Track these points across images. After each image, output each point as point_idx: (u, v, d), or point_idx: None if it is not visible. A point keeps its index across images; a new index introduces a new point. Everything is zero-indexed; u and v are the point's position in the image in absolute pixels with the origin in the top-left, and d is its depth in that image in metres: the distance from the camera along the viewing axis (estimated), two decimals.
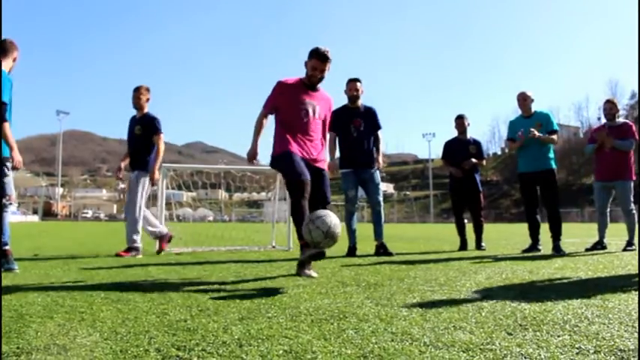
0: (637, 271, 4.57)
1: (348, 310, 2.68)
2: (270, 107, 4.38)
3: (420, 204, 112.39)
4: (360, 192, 6.89)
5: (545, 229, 6.96)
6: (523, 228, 25.87)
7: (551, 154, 6.96)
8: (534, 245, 6.95)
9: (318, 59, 4.27)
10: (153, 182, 6.67)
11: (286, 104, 4.34)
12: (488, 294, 3.22)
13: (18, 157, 4.77)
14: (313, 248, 3.68)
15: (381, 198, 6.84)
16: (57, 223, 35.57)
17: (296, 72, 4.53)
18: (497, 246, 8.50)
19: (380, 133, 6.84)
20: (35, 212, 75.64)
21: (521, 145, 6.90)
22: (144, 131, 6.65)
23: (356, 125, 6.66)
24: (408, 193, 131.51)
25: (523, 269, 4.73)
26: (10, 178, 4.74)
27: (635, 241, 7.30)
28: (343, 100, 6.80)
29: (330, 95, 4.64)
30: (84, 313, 2.61)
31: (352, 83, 6.74)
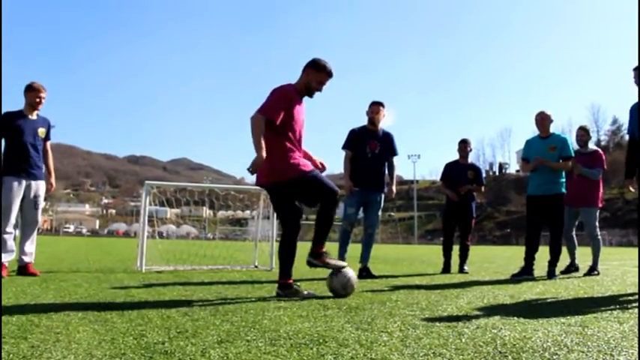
0: (617, 295, 4.61)
1: (328, 334, 2.66)
2: (273, 114, 4.19)
3: (404, 225, 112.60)
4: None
5: (540, 254, 6.93)
6: (507, 250, 25.97)
7: (563, 179, 6.85)
8: (527, 270, 6.77)
9: (328, 75, 4.45)
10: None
11: (290, 115, 4.32)
12: (469, 319, 3.22)
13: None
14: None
15: (377, 223, 6.92)
16: (38, 237, 34.95)
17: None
18: (480, 269, 8.52)
19: (395, 160, 6.90)
20: (16, 226, 74.39)
21: (534, 169, 6.92)
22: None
23: (372, 147, 6.69)
24: (392, 214, 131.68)
25: (504, 294, 4.74)
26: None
27: (599, 267, 7.55)
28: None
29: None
30: (59, 333, 2.57)
31: (375, 106, 6.77)
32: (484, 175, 8.27)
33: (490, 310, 3.65)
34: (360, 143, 6.71)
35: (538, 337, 2.67)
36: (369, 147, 6.67)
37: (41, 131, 6.06)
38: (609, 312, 3.66)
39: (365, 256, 6.79)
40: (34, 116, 6.02)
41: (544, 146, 6.87)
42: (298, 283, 4.40)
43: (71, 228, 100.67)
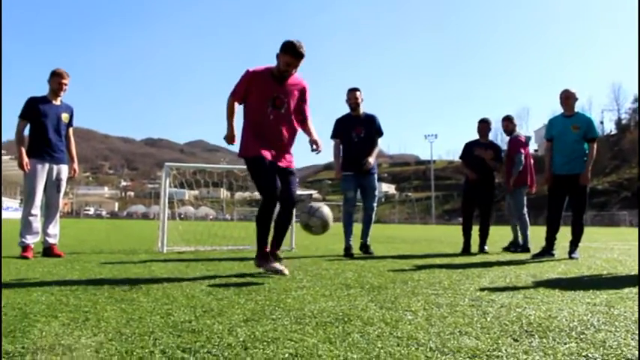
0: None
1: (353, 313, 2.67)
2: (238, 96, 4.45)
3: (422, 205, 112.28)
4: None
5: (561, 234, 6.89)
6: (540, 230, 25.80)
7: (586, 157, 6.70)
8: (548, 249, 6.75)
9: (292, 56, 4.29)
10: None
11: (254, 96, 4.39)
12: (492, 298, 3.21)
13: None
14: (273, 264, 4.36)
15: (374, 204, 7.25)
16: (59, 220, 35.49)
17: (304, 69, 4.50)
18: (500, 249, 8.48)
19: (379, 140, 7.18)
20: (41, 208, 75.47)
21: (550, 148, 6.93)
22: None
23: (357, 132, 6.98)
24: (409, 194, 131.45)
25: (526, 273, 4.72)
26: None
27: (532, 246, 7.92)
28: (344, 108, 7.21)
29: (303, 79, 4.61)
30: (88, 312, 2.61)
31: (352, 93, 7.10)
32: (502, 154, 8.17)
33: (513, 290, 3.64)
34: (345, 130, 7.05)
35: (564, 317, 2.65)
36: (355, 132, 6.98)
37: (64, 116, 6.12)
38: (635, 292, 3.63)
39: (365, 233, 7.14)
40: (57, 102, 6.08)
41: (568, 125, 6.76)
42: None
43: (91, 210, 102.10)
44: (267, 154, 4.36)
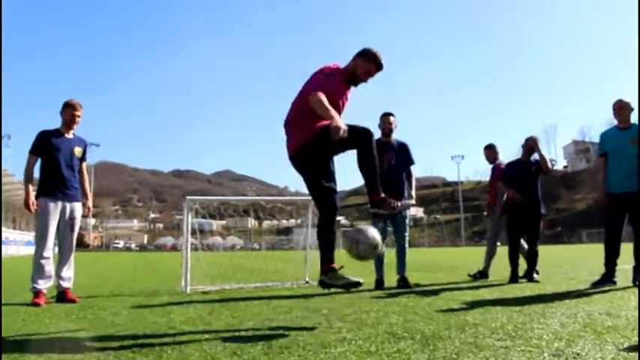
0: None
1: None
2: (325, 86, 3.86)
3: (451, 227, 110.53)
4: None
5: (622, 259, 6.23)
6: (565, 251, 24.79)
7: None
8: (609, 277, 6.12)
9: (377, 67, 4.04)
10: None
11: (329, 93, 3.84)
12: (577, 352, 2.63)
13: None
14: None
15: (406, 233, 6.88)
16: (88, 254, 35.69)
17: None
18: (550, 275, 7.79)
19: (412, 168, 6.90)
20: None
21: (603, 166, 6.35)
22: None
23: (388, 158, 6.64)
24: (438, 216, 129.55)
25: (599, 310, 4.07)
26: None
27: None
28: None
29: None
30: None
31: (386, 117, 6.82)
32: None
33: (595, 336, 3.03)
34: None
35: None
36: (386, 158, 6.58)
37: (77, 151, 5.75)
38: None
39: (401, 267, 6.73)
40: (70, 135, 5.72)
41: (624, 138, 6.15)
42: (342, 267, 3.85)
43: (121, 244, 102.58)
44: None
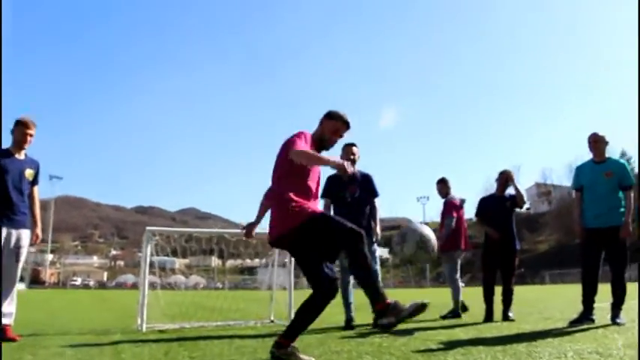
0: None
1: None
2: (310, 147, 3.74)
3: (416, 268, 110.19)
4: None
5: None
6: (531, 291, 24.78)
7: (623, 208, 5.95)
8: (587, 315, 5.90)
9: (344, 124, 3.93)
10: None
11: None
12: None
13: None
14: (395, 310, 3.44)
15: (377, 267, 6.30)
16: (42, 291, 34.26)
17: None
18: (525, 315, 7.54)
19: (377, 200, 6.56)
20: (22, 279, 73.42)
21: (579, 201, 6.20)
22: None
23: (351, 191, 6.32)
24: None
25: (588, 349, 3.80)
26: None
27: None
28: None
29: None
30: None
31: (349, 148, 6.41)
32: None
33: None
34: (338, 188, 6.36)
35: None
36: (349, 191, 6.33)
37: (29, 173, 5.30)
38: None
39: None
40: (21, 156, 5.28)
41: (599, 172, 6.03)
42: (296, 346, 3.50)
43: (78, 281, 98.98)
44: None
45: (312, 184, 3.77)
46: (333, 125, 3.90)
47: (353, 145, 6.46)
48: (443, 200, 8.26)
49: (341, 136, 3.95)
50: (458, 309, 7.63)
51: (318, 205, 3.96)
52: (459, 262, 7.99)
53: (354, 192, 6.33)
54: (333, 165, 3.48)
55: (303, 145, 3.63)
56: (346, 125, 3.93)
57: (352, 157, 6.37)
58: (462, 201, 8.31)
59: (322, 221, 3.59)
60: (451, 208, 7.99)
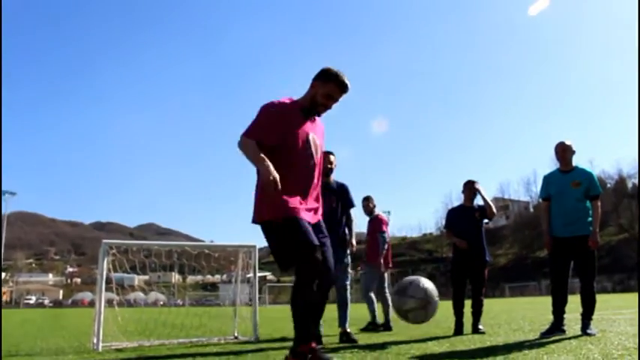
0: None
1: None
2: (261, 134, 3.26)
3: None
4: None
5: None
6: (496, 304, 24.93)
7: (590, 218, 5.93)
8: (557, 325, 5.85)
9: (338, 87, 3.38)
10: None
11: (286, 137, 3.29)
12: None
13: None
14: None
15: (348, 282, 6.39)
16: None
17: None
18: (495, 327, 7.44)
19: (352, 211, 6.46)
20: None
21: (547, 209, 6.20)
22: None
23: (329, 202, 5.98)
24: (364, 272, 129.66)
25: None
26: None
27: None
28: None
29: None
30: None
31: (326, 156, 6.08)
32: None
33: None
34: None
35: None
36: (327, 201, 5.99)
37: None
38: None
39: (343, 319, 6.20)
40: None
41: (567, 181, 6.02)
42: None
43: (33, 299, 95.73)
44: (306, 217, 3.31)
45: (303, 172, 3.38)
46: (327, 87, 3.39)
47: (330, 153, 6.25)
48: (368, 218, 8.62)
49: (336, 101, 3.47)
50: (389, 322, 7.96)
51: (312, 198, 3.56)
52: (386, 277, 8.51)
53: (332, 202, 6.12)
54: (262, 177, 3.08)
55: (259, 128, 3.24)
56: (342, 88, 3.41)
57: (329, 165, 6.18)
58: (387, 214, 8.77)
59: (288, 230, 3.21)
60: (381, 224, 8.40)
